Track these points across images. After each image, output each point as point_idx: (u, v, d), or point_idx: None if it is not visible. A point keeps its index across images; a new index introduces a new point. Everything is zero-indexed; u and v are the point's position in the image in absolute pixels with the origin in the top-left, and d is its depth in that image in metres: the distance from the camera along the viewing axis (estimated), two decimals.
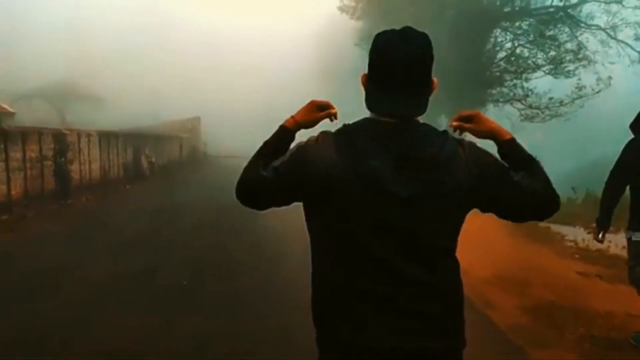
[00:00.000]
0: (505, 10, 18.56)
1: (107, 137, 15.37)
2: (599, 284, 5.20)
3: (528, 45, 18.26)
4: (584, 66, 17.11)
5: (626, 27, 17.54)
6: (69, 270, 5.54)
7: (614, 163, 3.55)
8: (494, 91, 18.62)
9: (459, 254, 1.31)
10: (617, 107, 18.14)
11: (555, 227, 8.14)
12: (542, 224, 7.87)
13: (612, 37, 17.72)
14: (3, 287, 4.90)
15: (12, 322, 3.97)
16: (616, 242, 5.64)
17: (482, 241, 6.30)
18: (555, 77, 17.82)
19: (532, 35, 18.03)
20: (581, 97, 16.92)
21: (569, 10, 17.92)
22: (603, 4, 17.65)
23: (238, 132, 32.04)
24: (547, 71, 17.81)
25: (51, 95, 33.92)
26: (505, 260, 6.10)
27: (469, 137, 1.37)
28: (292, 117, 1.42)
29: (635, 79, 19.57)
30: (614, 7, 17.51)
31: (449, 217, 1.26)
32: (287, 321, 3.85)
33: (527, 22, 18.41)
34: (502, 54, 18.91)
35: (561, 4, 18.02)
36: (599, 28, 17.74)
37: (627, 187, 3.52)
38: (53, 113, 32.03)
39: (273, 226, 7.55)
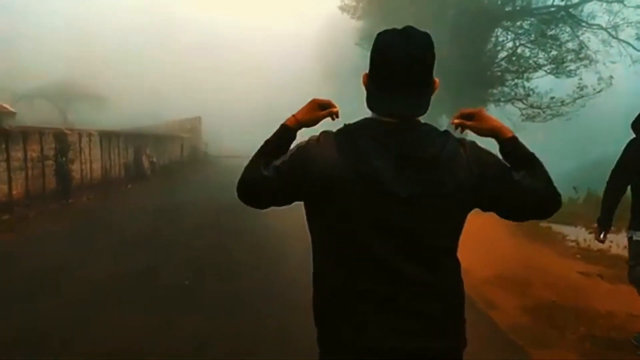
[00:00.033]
0: (507, 9, 18.54)
1: (108, 137, 15.39)
2: (601, 284, 5.19)
3: (529, 45, 18.23)
4: (586, 66, 17.09)
5: (628, 26, 17.53)
6: (70, 270, 5.54)
7: (615, 163, 3.55)
8: (495, 91, 18.61)
9: (460, 253, 1.31)
10: (619, 107, 18.15)
11: (557, 227, 8.13)
12: (544, 224, 7.88)
13: (613, 37, 17.69)
14: (4, 287, 4.91)
15: (13, 322, 3.97)
16: (617, 242, 5.62)
17: (483, 241, 6.30)
18: (557, 77, 17.79)
19: (533, 35, 18.01)
20: (582, 96, 16.90)
21: (570, 10, 17.90)
22: (604, 4, 17.61)
23: (238, 132, 32.15)
24: (548, 71, 17.79)
25: (52, 95, 33.97)
26: (506, 260, 6.10)
27: (470, 135, 1.36)
28: (294, 115, 1.41)
29: (637, 79, 19.54)
30: (616, 7, 17.49)
31: (449, 217, 1.25)
32: (287, 321, 3.85)
33: (529, 22, 18.39)
34: (503, 54, 18.88)
35: (562, 3, 17.99)
36: (601, 27, 17.71)
37: (629, 187, 3.51)
38: (54, 113, 32.12)
39: (273, 226, 7.56)
